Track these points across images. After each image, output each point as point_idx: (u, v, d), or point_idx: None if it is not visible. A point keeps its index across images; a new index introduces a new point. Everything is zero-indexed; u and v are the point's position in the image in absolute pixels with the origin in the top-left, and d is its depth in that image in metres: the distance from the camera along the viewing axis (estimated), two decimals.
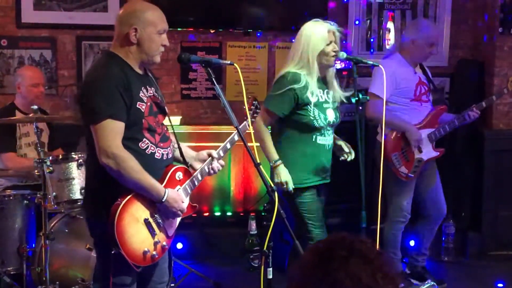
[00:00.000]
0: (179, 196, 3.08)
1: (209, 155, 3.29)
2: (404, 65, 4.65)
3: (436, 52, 4.78)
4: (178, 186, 3.14)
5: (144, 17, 3.01)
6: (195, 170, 3.26)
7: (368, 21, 5.85)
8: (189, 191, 3.20)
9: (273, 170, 3.89)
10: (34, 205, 4.40)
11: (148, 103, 3.04)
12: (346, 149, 4.01)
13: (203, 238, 5.55)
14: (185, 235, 5.32)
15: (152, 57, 3.06)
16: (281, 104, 3.85)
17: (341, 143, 4.04)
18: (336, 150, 4.04)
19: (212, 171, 3.29)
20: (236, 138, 3.35)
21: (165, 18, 3.10)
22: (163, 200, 2.99)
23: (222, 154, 3.34)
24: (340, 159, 4.02)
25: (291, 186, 3.83)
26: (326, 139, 3.93)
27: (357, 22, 5.81)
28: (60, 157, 4.33)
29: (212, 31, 5.72)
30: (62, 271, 4.25)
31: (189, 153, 3.34)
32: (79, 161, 4.28)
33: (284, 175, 3.84)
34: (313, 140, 3.88)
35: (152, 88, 3.13)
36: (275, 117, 3.89)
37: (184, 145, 3.36)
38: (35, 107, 4.38)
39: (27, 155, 4.76)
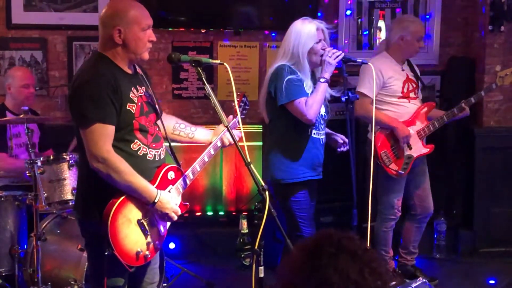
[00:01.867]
0: (171, 198, 3.07)
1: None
2: (391, 63, 4.66)
3: (426, 49, 4.78)
4: (170, 186, 3.13)
5: (126, 17, 2.96)
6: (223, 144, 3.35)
7: (359, 19, 5.86)
8: (181, 190, 3.19)
9: None
10: (25, 206, 4.38)
11: (139, 103, 3.01)
12: (341, 140, 4.03)
13: (195, 238, 5.55)
14: (177, 235, 5.32)
15: (140, 54, 3.02)
16: (300, 88, 3.80)
17: (335, 136, 4.07)
18: (332, 144, 4.06)
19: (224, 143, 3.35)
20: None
21: (149, 13, 3.04)
22: (155, 201, 2.97)
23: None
24: (338, 151, 4.04)
25: None
26: (320, 133, 3.95)
27: (348, 13, 5.78)
28: (51, 157, 4.33)
29: (203, 31, 5.71)
30: (54, 272, 4.24)
31: (203, 133, 3.42)
32: (70, 161, 4.28)
33: None
34: (309, 133, 3.89)
35: (143, 87, 3.09)
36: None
37: (197, 127, 3.47)
38: (26, 108, 4.38)
39: (18, 156, 4.75)
